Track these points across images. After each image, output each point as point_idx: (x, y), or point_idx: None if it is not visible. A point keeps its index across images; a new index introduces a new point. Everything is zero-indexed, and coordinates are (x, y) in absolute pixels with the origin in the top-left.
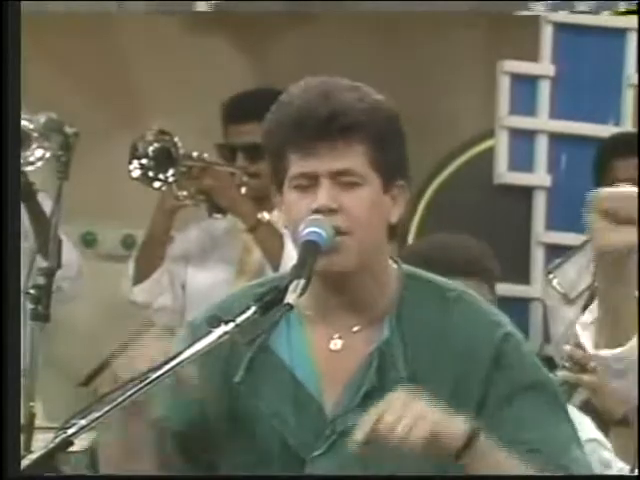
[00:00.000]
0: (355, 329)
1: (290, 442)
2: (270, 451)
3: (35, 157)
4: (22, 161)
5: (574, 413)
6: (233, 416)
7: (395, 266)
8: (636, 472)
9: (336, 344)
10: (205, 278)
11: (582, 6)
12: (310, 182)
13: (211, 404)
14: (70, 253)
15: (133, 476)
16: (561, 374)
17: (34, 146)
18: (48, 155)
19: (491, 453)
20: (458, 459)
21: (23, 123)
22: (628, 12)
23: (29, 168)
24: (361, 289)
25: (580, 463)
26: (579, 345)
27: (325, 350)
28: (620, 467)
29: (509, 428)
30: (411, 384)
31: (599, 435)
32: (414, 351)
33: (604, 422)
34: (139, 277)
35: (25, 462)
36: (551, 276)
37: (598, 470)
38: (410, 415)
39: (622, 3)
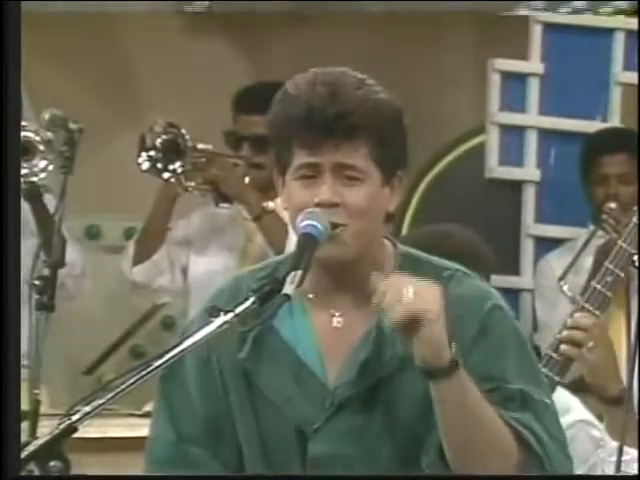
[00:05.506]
0: (354, 307)
1: (293, 419)
2: (274, 428)
3: (39, 168)
4: (27, 171)
5: (564, 394)
6: (241, 394)
7: (392, 247)
8: (636, 470)
9: (339, 322)
10: (207, 264)
11: (579, 5)
12: (313, 173)
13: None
14: (74, 252)
15: (133, 476)
16: (563, 348)
17: (38, 157)
18: (51, 168)
19: (468, 387)
20: (438, 379)
21: (29, 135)
22: (627, 12)
23: (33, 179)
24: (359, 272)
25: (555, 433)
26: (578, 326)
27: (328, 328)
28: (612, 446)
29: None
30: (406, 359)
31: (588, 415)
32: None
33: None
34: (139, 258)
35: (30, 448)
36: (562, 282)
37: (588, 449)
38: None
39: (620, 3)
